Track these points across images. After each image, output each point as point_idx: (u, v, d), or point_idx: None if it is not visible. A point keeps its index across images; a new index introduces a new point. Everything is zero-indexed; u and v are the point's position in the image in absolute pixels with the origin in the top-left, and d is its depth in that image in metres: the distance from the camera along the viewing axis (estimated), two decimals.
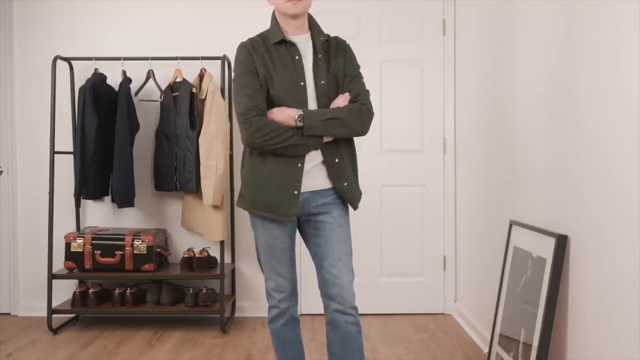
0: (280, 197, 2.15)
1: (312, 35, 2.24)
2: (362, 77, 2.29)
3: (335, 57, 2.25)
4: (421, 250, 4.08)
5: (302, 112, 2.11)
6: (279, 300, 2.27)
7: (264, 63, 2.17)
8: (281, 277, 2.25)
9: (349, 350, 2.19)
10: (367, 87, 2.28)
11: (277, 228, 2.22)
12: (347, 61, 2.27)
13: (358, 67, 2.30)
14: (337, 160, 2.19)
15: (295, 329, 2.35)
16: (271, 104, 2.16)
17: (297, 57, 2.19)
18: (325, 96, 2.18)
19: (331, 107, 2.18)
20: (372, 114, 2.23)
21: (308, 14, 2.25)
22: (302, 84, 2.17)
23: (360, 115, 2.18)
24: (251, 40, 2.24)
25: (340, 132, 2.16)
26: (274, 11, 2.23)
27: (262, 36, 2.24)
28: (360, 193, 2.30)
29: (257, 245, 2.28)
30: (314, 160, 2.17)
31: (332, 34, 2.35)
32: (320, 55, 2.21)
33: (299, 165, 2.14)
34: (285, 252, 2.25)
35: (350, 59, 2.28)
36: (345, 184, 2.20)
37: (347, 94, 2.20)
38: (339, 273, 2.17)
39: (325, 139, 2.15)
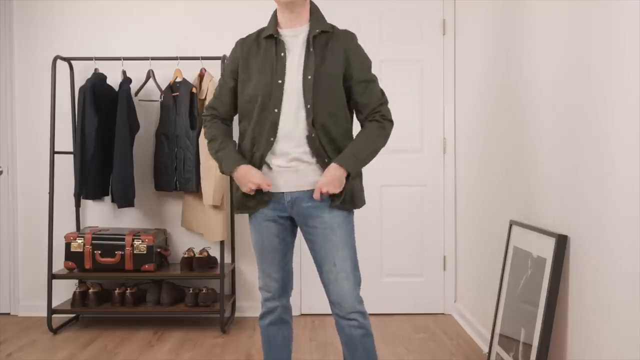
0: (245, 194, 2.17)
1: (310, 26, 2.14)
2: (375, 80, 2.21)
3: (333, 51, 2.13)
4: (421, 250, 4.08)
5: (341, 163, 2.08)
6: (265, 299, 2.25)
7: (247, 60, 2.17)
8: (268, 277, 2.22)
9: (354, 352, 2.15)
10: (381, 87, 2.22)
11: (265, 228, 2.18)
12: (354, 60, 2.16)
13: (369, 65, 2.21)
14: (326, 161, 2.11)
15: (283, 331, 2.29)
16: (248, 102, 2.14)
17: (282, 54, 2.11)
18: (311, 92, 2.07)
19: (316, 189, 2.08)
20: (393, 123, 2.21)
21: (311, 3, 2.19)
22: (279, 82, 2.09)
23: (385, 133, 2.18)
24: (248, 35, 2.24)
25: (372, 159, 2.18)
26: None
27: (260, 30, 2.23)
28: (349, 193, 2.14)
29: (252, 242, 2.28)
30: (301, 157, 2.12)
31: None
32: (311, 49, 2.10)
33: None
34: (274, 254, 2.20)
35: (358, 58, 2.17)
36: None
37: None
38: (335, 279, 2.12)
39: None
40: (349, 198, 2.14)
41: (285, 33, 2.15)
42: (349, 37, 2.20)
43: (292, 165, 2.12)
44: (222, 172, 2.20)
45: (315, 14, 2.17)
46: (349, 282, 2.12)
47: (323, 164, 2.12)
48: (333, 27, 2.19)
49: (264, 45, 2.15)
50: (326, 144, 2.11)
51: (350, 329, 2.14)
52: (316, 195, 2.07)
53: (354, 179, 2.15)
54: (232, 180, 3.92)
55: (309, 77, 2.08)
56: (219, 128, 2.25)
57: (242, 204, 2.21)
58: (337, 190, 2.08)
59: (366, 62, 2.20)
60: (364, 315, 2.16)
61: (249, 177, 2.10)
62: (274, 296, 2.23)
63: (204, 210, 3.71)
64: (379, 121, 2.17)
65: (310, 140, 2.09)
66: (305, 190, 2.13)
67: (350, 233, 2.17)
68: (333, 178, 2.07)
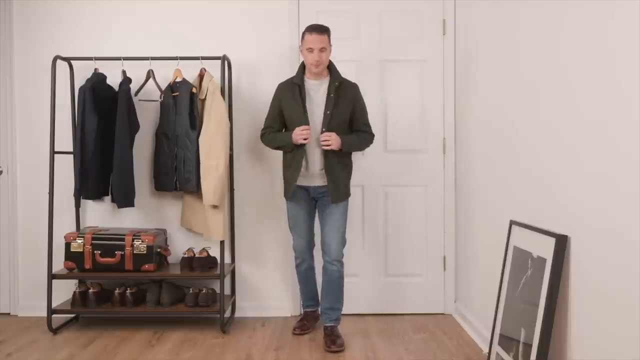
0: (291, 187, 3.41)
1: (330, 79, 3.40)
2: (366, 113, 3.51)
3: (345, 95, 3.39)
4: (421, 250, 4.07)
5: (343, 142, 3.35)
6: (298, 253, 3.53)
7: (285, 97, 3.41)
8: (299, 238, 3.51)
9: (330, 287, 3.40)
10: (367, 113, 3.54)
11: (297, 207, 3.46)
12: (357, 101, 3.45)
13: (364, 105, 3.51)
14: (327, 171, 3.37)
15: (312, 273, 3.61)
16: (287, 119, 3.41)
17: (305, 95, 3.37)
18: (329, 119, 3.33)
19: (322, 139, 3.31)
20: (374, 136, 3.57)
21: (330, 61, 3.41)
22: (306, 112, 3.35)
23: (368, 141, 3.54)
24: (285, 81, 3.48)
25: (356, 150, 3.54)
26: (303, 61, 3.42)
27: (292, 78, 3.43)
28: (338, 192, 3.36)
29: (288, 217, 3.54)
30: (317, 168, 3.38)
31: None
32: (332, 95, 3.34)
33: (302, 169, 3.39)
34: (302, 223, 3.48)
35: (359, 104, 3.46)
36: (329, 184, 3.36)
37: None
38: (330, 238, 3.38)
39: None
40: (343, 195, 3.41)
41: (312, 82, 3.41)
42: (354, 88, 3.47)
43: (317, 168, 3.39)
44: (288, 145, 3.35)
45: (333, 70, 3.42)
46: (338, 242, 3.38)
47: (327, 172, 3.38)
48: (344, 79, 3.43)
49: (297, 88, 3.37)
50: (331, 152, 3.35)
51: (332, 272, 3.38)
52: (322, 137, 3.28)
53: (345, 175, 3.43)
54: (231, 181, 3.93)
55: (328, 112, 3.34)
56: (272, 132, 3.48)
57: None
58: (329, 143, 3.26)
59: (363, 103, 3.50)
60: (341, 264, 3.40)
61: (296, 132, 3.29)
62: (303, 250, 3.51)
63: (203, 210, 3.71)
64: (368, 132, 3.52)
65: (323, 151, 3.34)
66: (317, 185, 3.41)
67: (343, 212, 3.41)
68: (334, 136, 3.28)
